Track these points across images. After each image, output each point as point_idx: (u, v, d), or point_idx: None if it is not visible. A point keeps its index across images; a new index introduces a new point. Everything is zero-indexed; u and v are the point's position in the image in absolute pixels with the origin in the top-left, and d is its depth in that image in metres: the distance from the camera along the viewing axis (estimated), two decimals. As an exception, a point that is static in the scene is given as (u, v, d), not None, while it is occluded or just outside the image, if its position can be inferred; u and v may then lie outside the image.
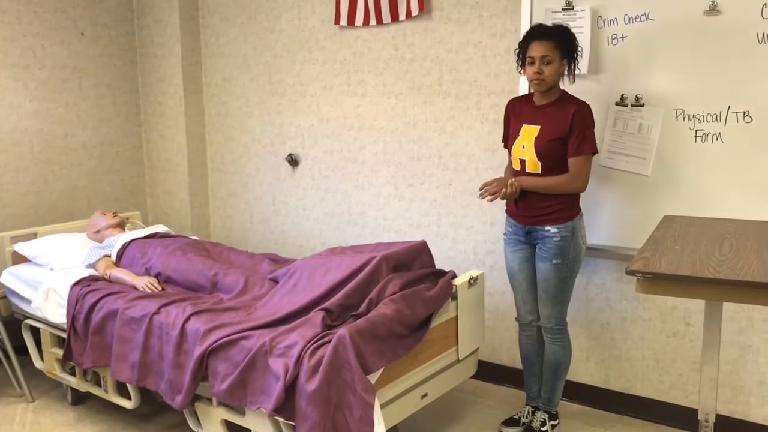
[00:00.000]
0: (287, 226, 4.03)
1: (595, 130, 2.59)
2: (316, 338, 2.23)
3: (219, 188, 4.32)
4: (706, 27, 2.59)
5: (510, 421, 2.90)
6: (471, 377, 3.33)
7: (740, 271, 1.63)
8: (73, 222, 3.79)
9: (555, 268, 2.60)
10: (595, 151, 2.56)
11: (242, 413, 2.40)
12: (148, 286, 2.88)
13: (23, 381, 3.25)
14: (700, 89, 2.64)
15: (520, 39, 2.64)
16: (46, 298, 3.03)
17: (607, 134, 2.85)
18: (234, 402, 2.28)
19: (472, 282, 2.73)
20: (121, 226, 3.51)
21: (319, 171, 3.83)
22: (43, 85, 3.82)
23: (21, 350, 3.39)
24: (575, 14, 2.83)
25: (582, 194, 2.73)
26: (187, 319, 2.48)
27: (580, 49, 2.60)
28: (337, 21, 3.55)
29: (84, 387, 2.99)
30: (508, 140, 2.72)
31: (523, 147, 2.60)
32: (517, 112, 2.68)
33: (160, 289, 2.89)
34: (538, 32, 2.52)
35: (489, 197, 2.56)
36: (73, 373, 3.07)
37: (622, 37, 2.77)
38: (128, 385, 2.75)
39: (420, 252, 2.73)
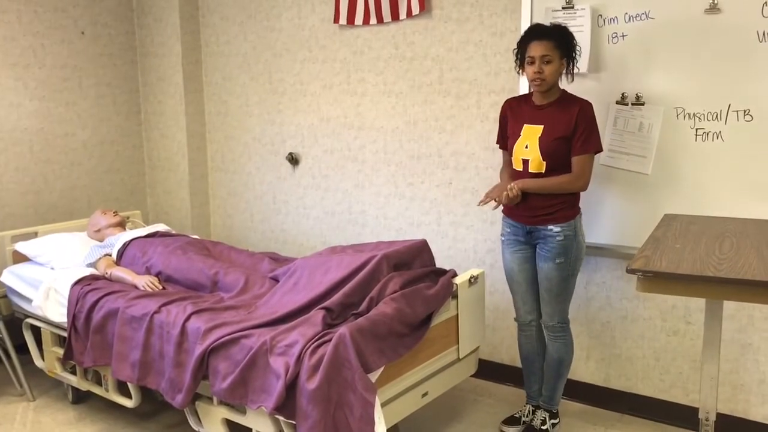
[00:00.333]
0: (287, 225, 4.04)
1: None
2: (317, 337, 2.23)
3: (219, 187, 4.32)
4: (707, 26, 2.59)
5: (510, 420, 2.90)
6: (471, 376, 3.33)
7: (741, 270, 1.64)
8: (73, 221, 3.79)
9: (558, 267, 2.60)
10: (599, 150, 2.56)
11: (243, 412, 2.40)
12: (148, 285, 2.88)
13: (24, 380, 3.25)
14: (700, 88, 2.64)
15: (519, 39, 2.64)
16: (47, 297, 3.03)
17: (607, 133, 2.85)
18: (235, 401, 2.28)
19: (473, 281, 2.73)
20: (121, 225, 3.51)
21: (320, 170, 3.83)
22: (43, 84, 3.82)
23: (22, 349, 3.39)
24: (575, 13, 2.83)
25: (583, 193, 2.73)
26: (188, 318, 2.49)
27: (578, 48, 2.60)
28: (336, 20, 3.55)
29: (85, 386, 2.99)
30: (508, 141, 2.71)
31: (526, 147, 2.59)
32: (515, 113, 2.68)
33: (160, 288, 2.90)
34: (537, 32, 2.52)
35: (494, 204, 2.57)
36: (73, 372, 3.07)
37: (623, 36, 2.77)
38: (129, 384, 2.75)
39: (420, 251, 2.73)
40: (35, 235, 3.54)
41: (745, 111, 2.56)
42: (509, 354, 3.33)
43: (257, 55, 3.98)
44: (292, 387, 2.16)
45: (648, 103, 2.75)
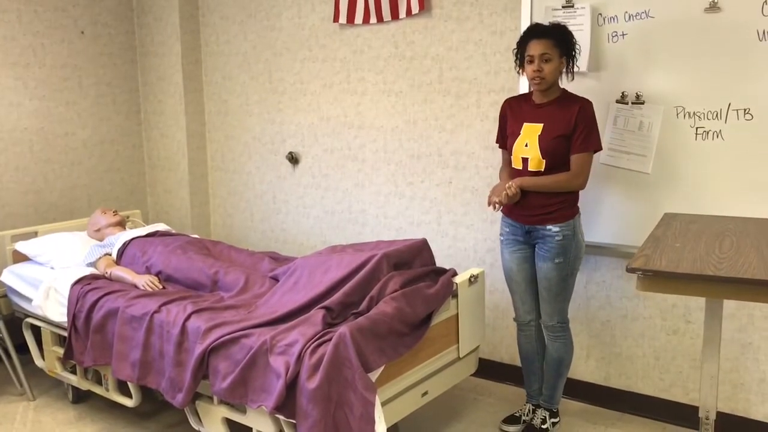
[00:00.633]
0: (287, 224, 4.04)
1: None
2: (317, 336, 2.23)
3: (219, 187, 4.32)
4: (707, 24, 2.59)
5: (510, 419, 2.90)
6: (471, 375, 3.34)
7: (741, 269, 1.63)
8: (73, 221, 3.79)
9: (557, 267, 2.60)
10: (599, 148, 2.56)
11: (243, 411, 2.40)
12: (148, 285, 2.88)
13: (24, 379, 3.25)
14: (700, 87, 2.64)
15: (518, 38, 2.64)
16: (47, 296, 3.03)
17: (607, 132, 2.85)
18: (235, 400, 2.28)
19: (473, 280, 2.73)
20: (121, 224, 3.51)
21: (320, 169, 3.83)
22: (43, 83, 3.82)
23: (22, 349, 3.40)
24: (575, 12, 2.83)
25: (582, 192, 2.73)
26: (188, 318, 2.49)
27: (578, 47, 2.60)
28: (336, 19, 3.55)
29: (85, 385, 2.99)
30: (507, 140, 2.71)
31: (526, 145, 2.59)
32: (515, 112, 2.68)
33: (160, 287, 2.90)
34: (536, 31, 2.52)
35: (498, 204, 2.57)
36: (74, 372, 3.07)
37: (623, 35, 2.77)
38: (129, 384, 2.75)
39: (420, 250, 2.73)
40: (35, 234, 3.54)
41: (745, 110, 2.56)
42: (509, 353, 3.33)
43: (257, 54, 3.98)
44: (292, 386, 2.16)
45: (648, 102, 2.75)
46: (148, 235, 3.33)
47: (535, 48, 2.49)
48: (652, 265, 1.70)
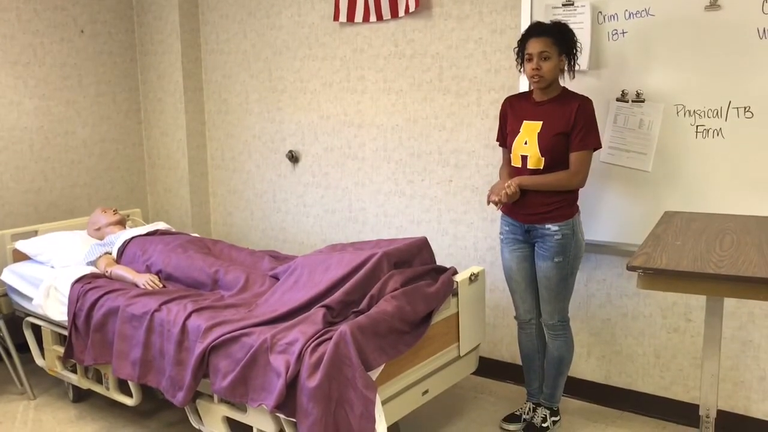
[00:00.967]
0: (288, 223, 4.03)
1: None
2: (317, 335, 2.23)
3: (219, 185, 4.32)
4: (707, 22, 2.59)
5: (511, 418, 2.90)
6: (472, 374, 3.34)
7: (741, 267, 1.63)
8: (73, 219, 3.79)
9: (556, 266, 2.60)
10: (598, 146, 2.55)
11: (243, 410, 2.40)
12: (148, 284, 2.88)
13: (24, 378, 3.26)
14: (700, 85, 2.63)
15: (520, 36, 2.64)
16: (47, 295, 3.03)
17: (607, 130, 2.84)
18: (235, 399, 2.28)
19: (473, 278, 2.73)
20: (121, 223, 3.51)
21: (320, 168, 3.83)
22: (43, 82, 3.82)
23: (22, 348, 3.40)
24: (575, 10, 2.83)
25: (582, 190, 2.72)
26: (188, 317, 2.49)
27: (579, 45, 2.59)
28: (336, 17, 3.55)
29: (85, 384, 2.99)
30: (507, 138, 2.71)
31: (525, 143, 2.59)
32: (515, 110, 2.68)
33: (160, 286, 2.90)
34: (535, 29, 2.52)
35: (497, 204, 2.57)
36: (74, 371, 3.07)
37: (623, 33, 2.77)
38: (129, 383, 2.75)
39: (420, 248, 2.73)
40: (35, 233, 3.54)
41: (745, 108, 2.56)
42: (510, 351, 3.33)
43: (257, 52, 3.98)
44: (292, 385, 2.16)
45: (648, 100, 2.75)
46: (148, 234, 3.33)
47: (534, 46, 2.49)
48: (653, 264, 1.70)
